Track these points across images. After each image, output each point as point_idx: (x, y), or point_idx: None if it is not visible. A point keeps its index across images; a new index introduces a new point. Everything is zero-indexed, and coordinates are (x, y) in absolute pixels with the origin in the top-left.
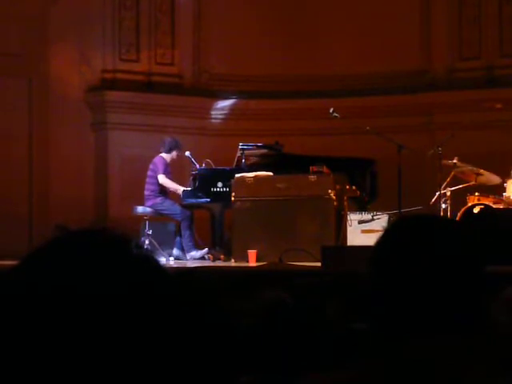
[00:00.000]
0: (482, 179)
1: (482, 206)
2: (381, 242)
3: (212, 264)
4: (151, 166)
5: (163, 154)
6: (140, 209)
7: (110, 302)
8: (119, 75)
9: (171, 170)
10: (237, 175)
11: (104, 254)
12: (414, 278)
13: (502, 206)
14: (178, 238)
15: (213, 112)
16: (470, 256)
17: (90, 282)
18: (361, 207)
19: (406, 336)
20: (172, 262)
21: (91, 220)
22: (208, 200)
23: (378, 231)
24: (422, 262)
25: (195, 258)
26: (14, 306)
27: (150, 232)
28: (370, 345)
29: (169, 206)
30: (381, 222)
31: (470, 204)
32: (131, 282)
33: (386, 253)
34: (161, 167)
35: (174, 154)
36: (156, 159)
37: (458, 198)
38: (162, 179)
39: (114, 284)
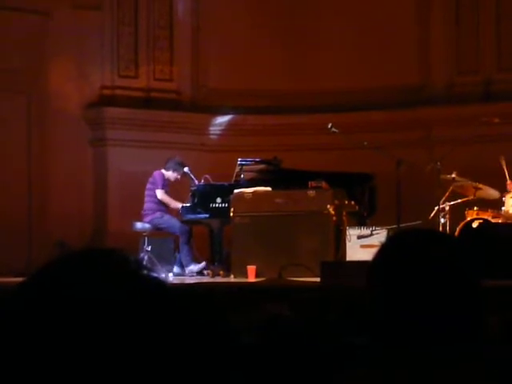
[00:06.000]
0: (480, 193)
1: (481, 221)
2: (378, 256)
3: (211, 280)
4: (150, 180)
5: (163, 170)
6: (139, 225)
7: (114, 319)
8: (118, 91)
9: (169, 189)
10: (236, 191)
11: (110, 273)
12: (412, 292)
13: (500, 221)
14: (177, 255)
15: (211, 128)
16: (466, 270)
17: (95, 300)
18: (360, 222)
19: (404, 349)
20: (171, 279)
21: (90, 236)
22: (207, 216)
23: (377, 246)
24: (419, 275)
25: (193, 271)
26: (22, 319)
27: (149, 248)
28: (368, 358)
29: (167, 221)
30: (380, 236)
31: (468, 218)
32: (135, 299)
33: (383, 267)
34: (160, 182)
35: (172, 174)
36: (155, 173)
37: (457, 213)
38: (161, 195)
39: (117, 300)
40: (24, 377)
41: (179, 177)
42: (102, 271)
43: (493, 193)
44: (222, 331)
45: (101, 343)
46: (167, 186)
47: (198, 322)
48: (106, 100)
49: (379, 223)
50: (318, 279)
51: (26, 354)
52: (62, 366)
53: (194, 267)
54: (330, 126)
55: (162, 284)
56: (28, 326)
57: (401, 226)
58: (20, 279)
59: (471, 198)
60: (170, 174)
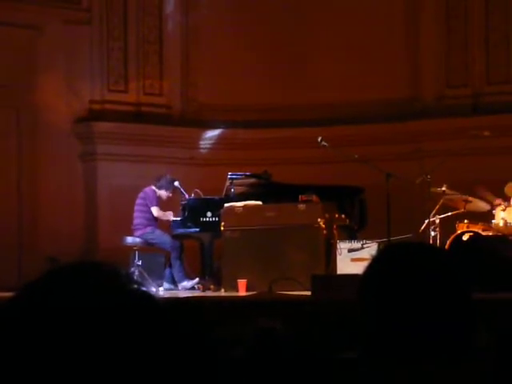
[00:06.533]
0: (470, 206)
1: (472, 234)
2: (369, 269)
3: (202, 294)
4: (141, 195)
5: (154, 188)
6: (129, 239)
7: (103, 332)
8: (108, 106)
9: (160, 205)
10: (226, 205)
11: (100, 286)
12: (403, 305)
13: (491, 233)
14: (168, 270)
15: (201, 142)
16: (457, 282)
17: (82, 315)
18: (350, 235)
19: (394, 364)
20: (162, 293)
21: (81, 250)
22: (197, 230)
23: (367, 259)
24: (409, 288)
25: (186, 288)
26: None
27: (140, 263)
28: (358, 373)
29: (158, 236)
30: (370, 250)
31: (459, 231)
32: (124, 312)
33: (374, 281)
34: (153, 199)
35: (164, 193)
36: (147, 189)
37: (448, 226)
38: (157, 212)
39: (106, 313)
40: None
41: (171, 195)
42: (93, 284)
43: (483, 205)
44: (210, 344)
45: (90, 355)
46: (158, 203)
47: (186, 335)
48: (95, 114)
49: (370, 236)
50: (308, 293)
51: (18, 366)
52: (53, 377)
53: (188, 284)
54: (320, 140)
55: (151, 298)
56: (19, 338)
57: (391, 239)
58: (11, 294)
59: (461, 210)
60: (163, 193)
